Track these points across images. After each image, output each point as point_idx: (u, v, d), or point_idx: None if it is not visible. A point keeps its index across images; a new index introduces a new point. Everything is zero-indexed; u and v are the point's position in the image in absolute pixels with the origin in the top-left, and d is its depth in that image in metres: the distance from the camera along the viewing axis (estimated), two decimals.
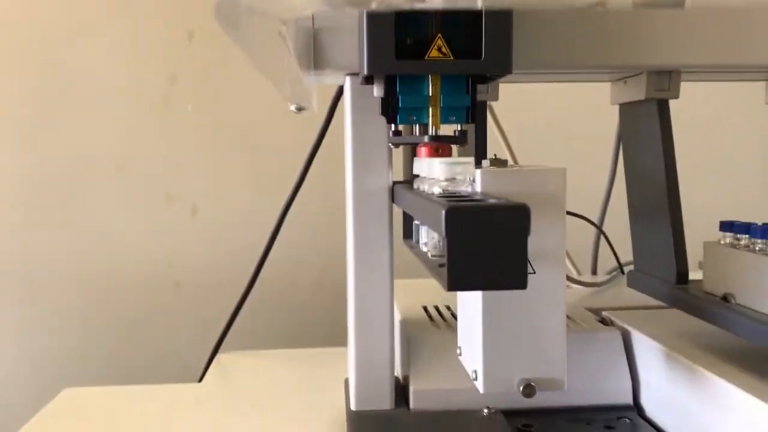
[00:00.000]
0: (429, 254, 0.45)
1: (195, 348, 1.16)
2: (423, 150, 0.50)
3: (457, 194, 0.43)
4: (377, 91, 0.54)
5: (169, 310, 1.18)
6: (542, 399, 0.61)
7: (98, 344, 1.17)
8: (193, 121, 1.17)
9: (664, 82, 0.59)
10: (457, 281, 0.34)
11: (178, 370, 1.05)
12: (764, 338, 0.48)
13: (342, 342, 0.81)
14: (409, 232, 0.54)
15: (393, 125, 0.54)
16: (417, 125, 0.53)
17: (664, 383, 0.58)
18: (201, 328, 1.18)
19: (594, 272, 1.02)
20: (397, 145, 0.55)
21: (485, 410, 0.59)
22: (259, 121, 1.18)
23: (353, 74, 0.56)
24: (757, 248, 0.51)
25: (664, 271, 0.60)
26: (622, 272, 0.92)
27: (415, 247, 0.50)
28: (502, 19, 0.49)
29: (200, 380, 0.93)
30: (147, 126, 1.16)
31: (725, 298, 0.53)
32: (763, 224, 0.52)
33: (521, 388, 0.47)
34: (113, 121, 1.15)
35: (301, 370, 0.80)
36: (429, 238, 0.45)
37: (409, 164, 0.60)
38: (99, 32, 1.14)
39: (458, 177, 0.43)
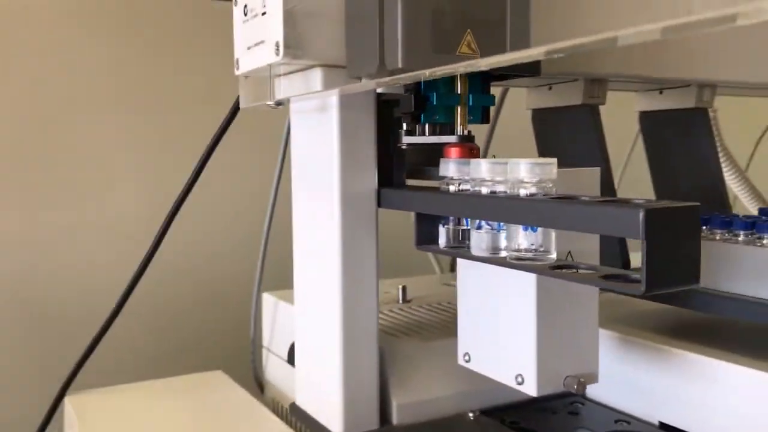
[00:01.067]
0: (510, 258, 0.44)
1: None
2: (453, 151, 0.48)
3: (555, 195, 0.42)
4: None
5: None
6: (503, 396, 0.63)
7: None
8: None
9: (706, 93, 0.69)
10: (655, 282, 0.34)
11: None
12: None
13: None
14: (425, 239, 0.51)
15: (405, 125, 0.51)
16: (426, 125, 0.51)
17: (603, 363, 0.63)
18: None
19: None
20: (410, 146, 0.51)
21: (470, 414, 0.58)
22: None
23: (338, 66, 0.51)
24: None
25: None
26: None
27: (460, 252, 0.48)
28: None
29: None
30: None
31: None
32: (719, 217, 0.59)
33: (575, 386, 0.48)
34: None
35: (185, 401, 0.70)
36: (521, 242, 0.43)
37: (385, 168, 0.55)
38: None
39: (538, 178, 0.42)
